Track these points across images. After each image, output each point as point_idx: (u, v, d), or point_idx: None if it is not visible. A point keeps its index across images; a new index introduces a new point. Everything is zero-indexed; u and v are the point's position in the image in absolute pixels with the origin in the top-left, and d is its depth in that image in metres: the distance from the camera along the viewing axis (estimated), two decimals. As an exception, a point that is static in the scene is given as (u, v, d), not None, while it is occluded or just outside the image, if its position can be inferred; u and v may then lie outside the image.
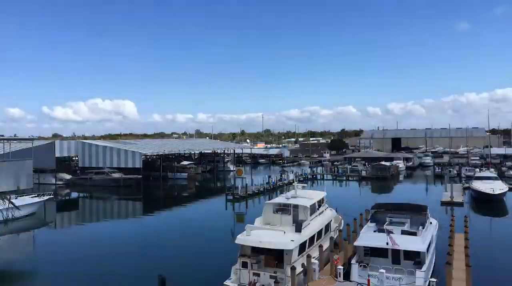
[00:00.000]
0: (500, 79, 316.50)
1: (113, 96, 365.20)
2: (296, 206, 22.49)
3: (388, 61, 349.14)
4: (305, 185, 31.17)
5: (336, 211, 27.94)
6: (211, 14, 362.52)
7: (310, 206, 22.69)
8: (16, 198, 41.77)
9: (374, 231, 21.11)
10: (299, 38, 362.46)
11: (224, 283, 18.56)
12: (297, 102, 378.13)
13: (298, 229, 20.25)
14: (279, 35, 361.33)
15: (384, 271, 17.38)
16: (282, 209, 22.84)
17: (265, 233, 19.76)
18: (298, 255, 19.23)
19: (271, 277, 17.97)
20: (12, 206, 24.51)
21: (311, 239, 21.00)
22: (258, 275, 18.38)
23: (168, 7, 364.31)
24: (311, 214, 22.49)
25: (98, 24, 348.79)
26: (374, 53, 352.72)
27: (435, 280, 17.62)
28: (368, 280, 17.41)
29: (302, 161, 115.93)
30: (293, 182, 27.50)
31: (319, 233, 22.36)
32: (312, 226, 21.81)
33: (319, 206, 24.75)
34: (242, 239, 19.37)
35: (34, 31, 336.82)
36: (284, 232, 19.64)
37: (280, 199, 24.08)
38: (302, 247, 19.70)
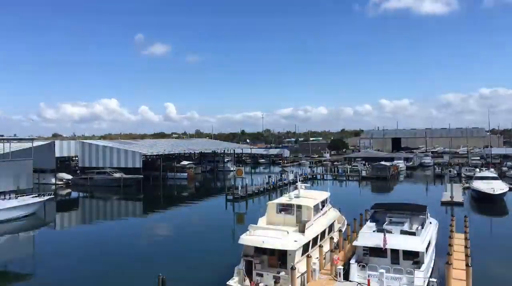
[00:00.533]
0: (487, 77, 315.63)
1: (101, 95, 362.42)
2: (299, 206, 22.41)
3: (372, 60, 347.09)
4: (308, 184, 31.14)
5: (340, 211, 27.89)
6: (204, 12, 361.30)
7: (314, 206, 22.65)
8: (16, 198, 41.91)
9: (374, 231, 21.13)
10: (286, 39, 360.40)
11: (227, 283, 18.53)
12: (290, 101, 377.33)
13: (302, 229, 20.22)
14: (267, 35, 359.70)
15: (384, 271, 17.42)
16: (286, 209, 22.77)
17: (268, 233, 19.68)
18: (302, 255, 19.21)
19: (274, 277, 17.95)
20: None
21: (315, 240, 20.97)
22: (261, 275, 18.37)
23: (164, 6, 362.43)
24: (314, 214, 22.45)
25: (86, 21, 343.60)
26: (358, 50, 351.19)
27: (435, 280, 17.65)
28: (368, 280, 17.44)
29: (302, 161, 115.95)
30: (296, 182, 27.44)
31: (323, 234, 22.33)
32: (316, 226, 21.78)
33: (323, 206, 24.69)
34: (245, 239, 19.34)
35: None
36: (288, 232, 19.55)
37: (283, 199, 24.00)
38: (305, 248, 19.69)
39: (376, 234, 20.00)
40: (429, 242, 20.28)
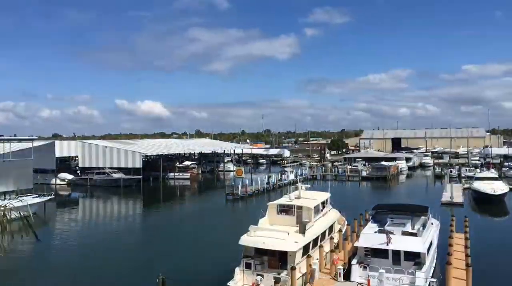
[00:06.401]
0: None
1: (93, 94, 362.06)
2: (300, 207, 22.43)
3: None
4: (308, 185, 31.07)
5: (340, 212, 27.86)
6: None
7: (314, 207, 22.64)
8: (16, 198, 41.82)
9: (375, 232, 21.11)
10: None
11: (228, 284, 18.53)
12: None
13: (302, 230, 20.23)
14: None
15: (384, 271, 17.41)
16: (286, 210, 22.79)
17: (269, 234, 19.70)
18: (302, 256, 19.21)
19: (274, 278, 17.94)
20: None
21: (315, 241, 20.99)
22: (261, 276, 18.38)
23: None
24: (315, 215, 22.46)
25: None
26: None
27: (435, 280, 17.65)
28: (368, 281, 17.43)
29: (303, 161, 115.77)
30: (297, 183, 27.39)
31: (323, 234, 22.35)
32: (316, 227, 21.80)
33: (323, 207, 24.67)
34: (246, 240, 19.37)
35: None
36: (288, 233, 19.57)
37: (284, 200, 24.04)
38: (305, 249, 19.68)
39: (378, 235, 19.99)
40: (431, 242, 20.27)
